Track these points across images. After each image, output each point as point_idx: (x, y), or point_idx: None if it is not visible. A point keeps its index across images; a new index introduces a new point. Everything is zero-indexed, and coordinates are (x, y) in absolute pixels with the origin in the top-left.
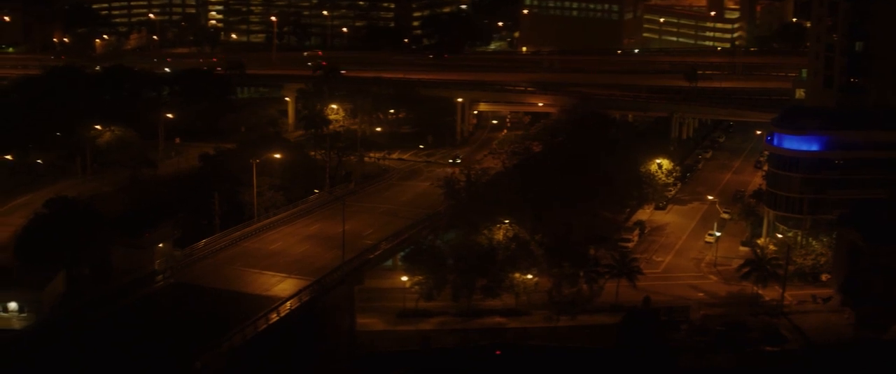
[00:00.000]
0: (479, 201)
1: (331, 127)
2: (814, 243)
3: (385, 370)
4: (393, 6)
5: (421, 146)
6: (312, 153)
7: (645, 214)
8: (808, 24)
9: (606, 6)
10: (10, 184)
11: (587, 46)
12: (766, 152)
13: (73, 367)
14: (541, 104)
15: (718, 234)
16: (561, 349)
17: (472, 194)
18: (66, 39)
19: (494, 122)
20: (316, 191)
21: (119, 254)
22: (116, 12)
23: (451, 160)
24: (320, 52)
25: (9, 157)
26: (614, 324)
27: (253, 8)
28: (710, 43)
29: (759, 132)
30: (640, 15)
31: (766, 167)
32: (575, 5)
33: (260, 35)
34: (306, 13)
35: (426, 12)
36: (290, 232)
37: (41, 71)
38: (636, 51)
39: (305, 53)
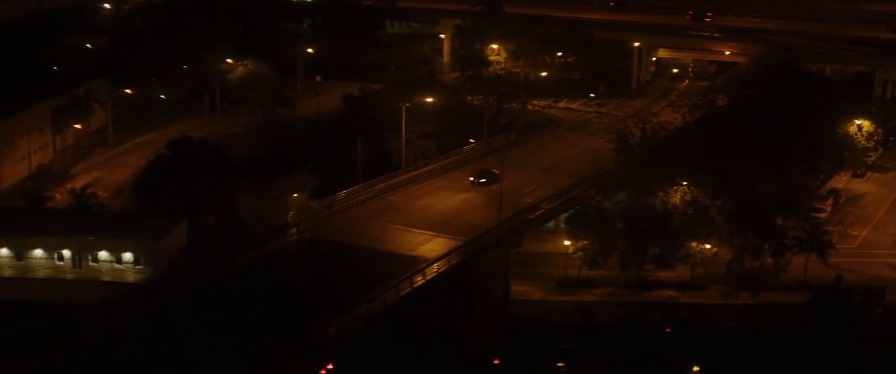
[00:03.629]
0: (655, 160)
1: (490, 69)
2: None
3: (542, 344)
4: None
5: (591, 95)
6: (469, 98)
7: (840, 181)
8: None
9: None
10: (129, 121)
11: None
12: None
13: (189, 327)
14: (727, 53)
15: None
16: (739, 329)
17: (647, 151)
18: None
19: (675, 70)
20: (472, 141)
21: (248, 203)
22: None
23: (472, 179)
24: None
25: (128, 90)
26: (801, 304)
27: None
28: None
29: None
30: None
31: None
32: None
33: None
34: None
35: None
36: (441, 186)
37: None
38: None
39: None
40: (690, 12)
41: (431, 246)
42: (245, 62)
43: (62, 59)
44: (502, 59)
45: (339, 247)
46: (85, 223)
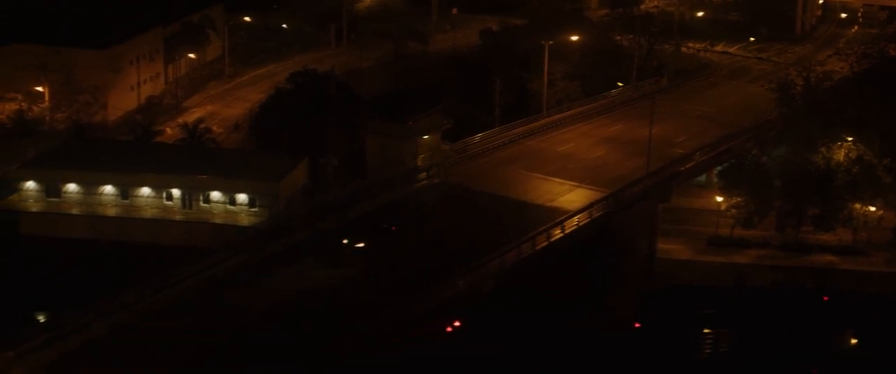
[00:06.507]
0: (819, 112)
1: (642, 7)
2: None
3: (687, 307)
4: None
5: (751, 39)
6: (618, 38)
7: None
8: None
9: None
10: (249, 51)
11: None
12: None
13: (303, 275)
14: None
15: None
16: None
17: (811, 103)
18: None
19: (843, 15)
20: (620, 84)
21: (375, 144)
22: None
23: (345, 242)
24: None
25: (247, 18)
26: None
27: None
28: None
29: None
30: None
31: None
32: None
33: None
34: None
35: None
36: (584, 132)
37: None
38: None
39: None
40: None
41: (572, 197)
42: None
43: None
44: None
45: (471, 195)
46: (197, 161)
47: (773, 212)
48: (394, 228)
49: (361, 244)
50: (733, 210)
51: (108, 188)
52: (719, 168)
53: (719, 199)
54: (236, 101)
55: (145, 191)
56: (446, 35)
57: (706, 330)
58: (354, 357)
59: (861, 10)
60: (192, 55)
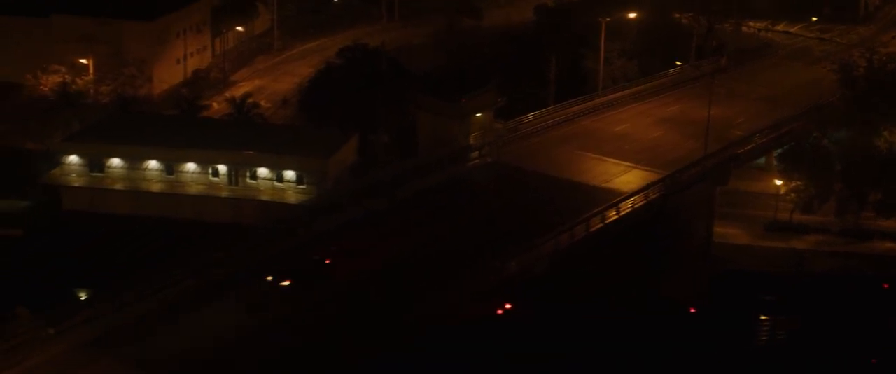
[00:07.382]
0: (882, 95)
1: None
2: None
3: (745, 293)
4: None
5: (813, 18)
6: (677, 16)
7: None
8: None
9: None
10: (298, 24)
11: None
12: None
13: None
14: None
15: None
16: None
17: (874, 85)
18: None
19: None
20: (678, 64)
21: (426, 121)
22: None
23: (270, 279)
24: None
25: None
26: None
27: None
28: None
29: None
30: None
31: None
32: None
33: None
34: None
35: None
36: (641, 111)
37: None
38: None
39: None
40: None
41: (628, 179)
42: None
43: None
44: None
45: (524, 175)
46: (244, 136)
47: (834, 196)
48: (328, 260)
49: (287, 283)
50: (793, 194)
51: (153, 163)
52: (779, 151)
53: (778, 182)
54: (285, 75)
55: (191, 167)
56: (501, 10)
57: (763, 317)
58: (405, 340)
59: None
60: (239, 28)
